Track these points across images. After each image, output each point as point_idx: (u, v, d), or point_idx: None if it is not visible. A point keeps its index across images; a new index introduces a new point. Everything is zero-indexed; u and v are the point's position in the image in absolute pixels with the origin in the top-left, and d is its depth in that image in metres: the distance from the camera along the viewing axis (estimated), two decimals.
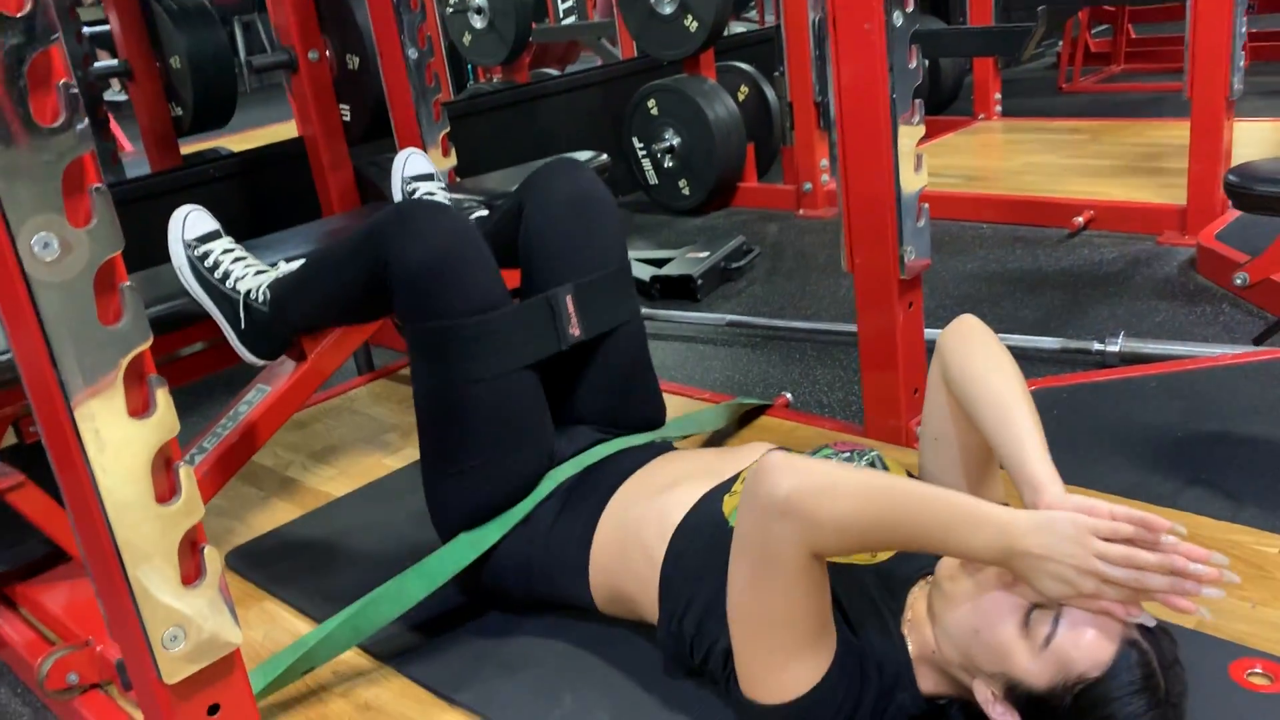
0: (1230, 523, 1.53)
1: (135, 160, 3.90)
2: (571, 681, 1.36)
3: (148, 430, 0.94)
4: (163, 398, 0.94)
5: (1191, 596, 0.98)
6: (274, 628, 1.62)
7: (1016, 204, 3.30)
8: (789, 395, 2.15)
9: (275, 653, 1.42)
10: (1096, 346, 2.25)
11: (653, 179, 3.98)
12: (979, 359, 1.21)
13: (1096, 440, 1.82)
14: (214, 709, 1.03)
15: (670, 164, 3.90)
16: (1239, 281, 1.89)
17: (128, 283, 0.91)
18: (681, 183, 3.92)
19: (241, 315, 1.66)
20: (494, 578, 1.47)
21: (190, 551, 0.99)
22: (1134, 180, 3.39)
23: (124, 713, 1.48)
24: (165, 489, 0.96)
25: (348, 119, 2.99)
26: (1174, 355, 2.15)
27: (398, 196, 1.97)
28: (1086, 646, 1.00)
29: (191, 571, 0.99)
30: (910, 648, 1.16)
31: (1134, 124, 4.14)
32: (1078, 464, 1.73)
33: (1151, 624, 1.02)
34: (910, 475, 1.29)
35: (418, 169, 1.97)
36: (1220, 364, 2.03)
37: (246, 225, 2.61)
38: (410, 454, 2.13)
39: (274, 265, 1.72)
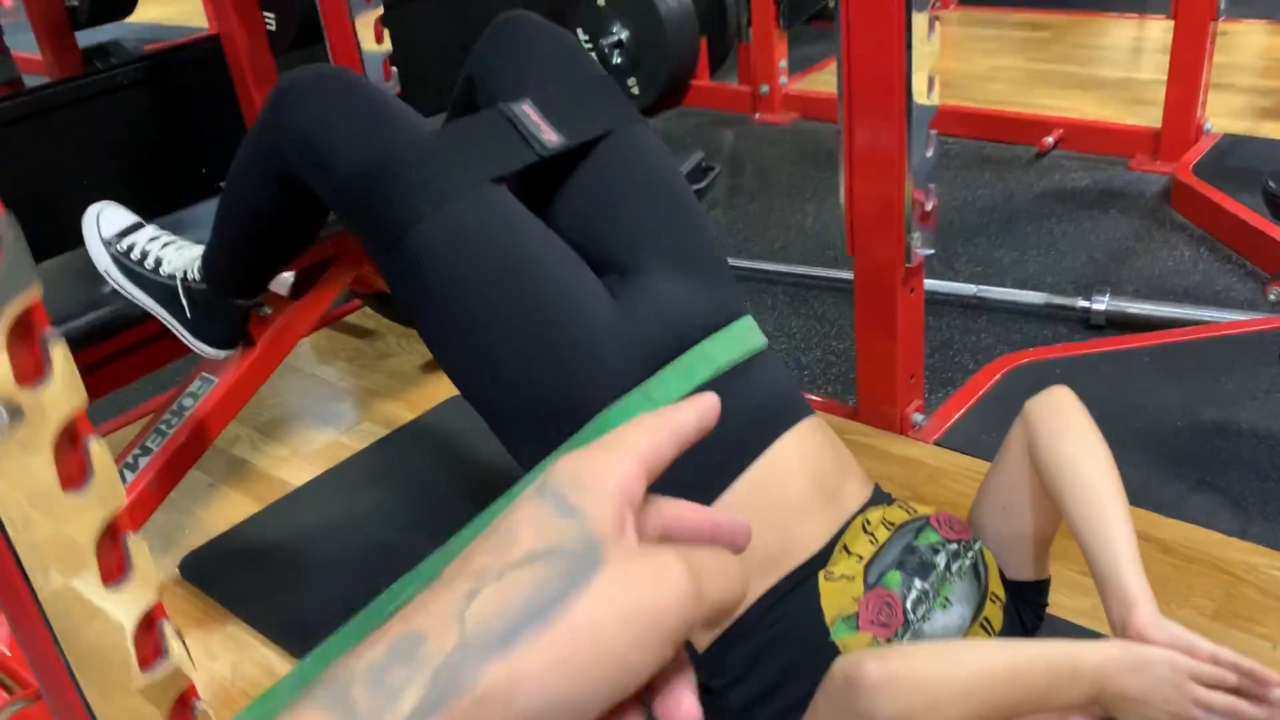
0: (1240, 539, 1.49)
1: (18, 29, 3.48)
2: None
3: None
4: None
5: None
6: (242, 658, 1.51)
7: (985, 119, 3.17)
8: None
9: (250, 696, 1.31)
10: (1082, 304, 2.18)
11: None
12: (1073, 444, 1.11)
13: None
14: None
15: (619, 60, 3.66)
16: (1273, 297, 1.84)
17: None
18: (631, 81, 3.68)
19: (183, 301, 1.48)
20: None
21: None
22: (1104, 93, 3.29)
23: None
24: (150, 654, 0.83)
25: (273, 29, 2.71)
26: (1163, 318, 2.09)
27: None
28: None
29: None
30: None
31: (1095, 19, 4.00)
32: None
33: None
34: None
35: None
36: (1215, 334, 1.98)
37: (161, 143, 2.36)
38: (368, 430, 2.00)
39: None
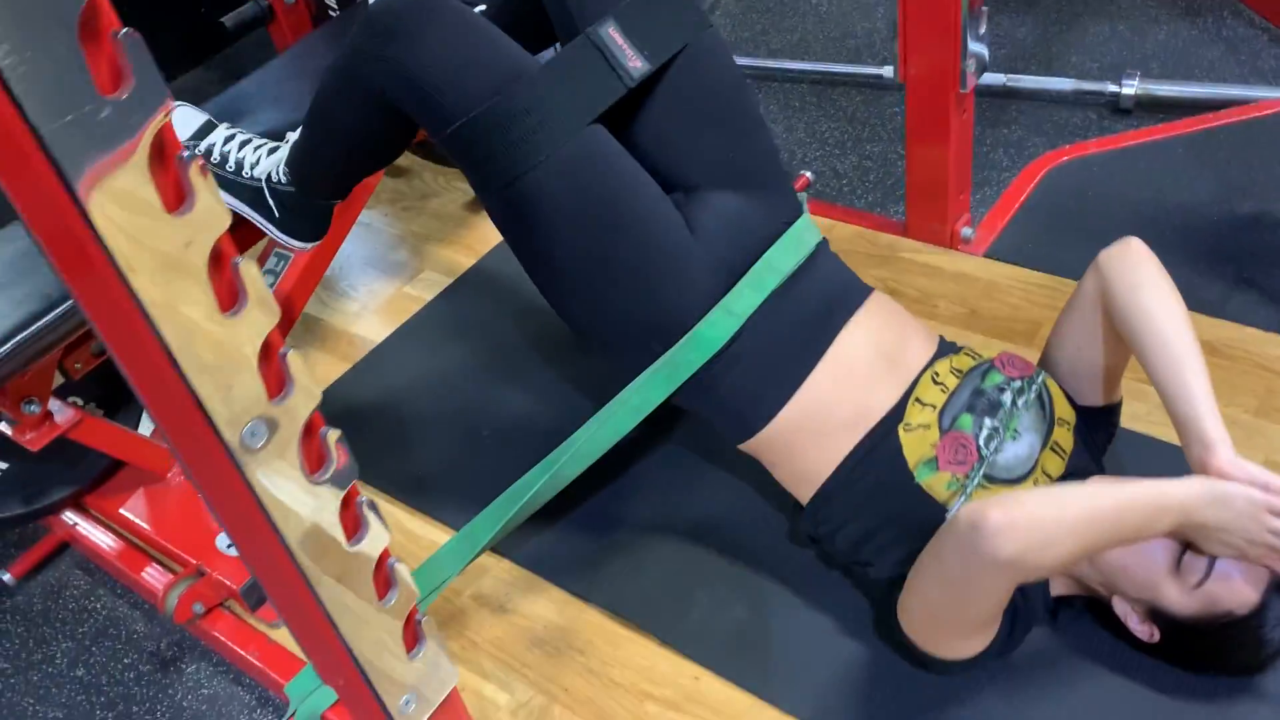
0: (1273, 332, 1.61)
1: None
2: (705, 579, 1.44)
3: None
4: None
5: None
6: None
7: None
8: (809, 174, 2.09)
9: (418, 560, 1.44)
10: (1111, 89, 2.20)
11: None
12: (1150, 296, 1.20)
13: (1127, 227, 1.84)
14: None
15: None
16: None
17: None
18: None
19: (271, 203, 1.51)
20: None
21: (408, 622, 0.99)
22: None
23: (251, 628, 1.54)
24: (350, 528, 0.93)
25: None
26: (1197, 98, 2.13)
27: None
28: (1237, 591, 1.11)
29: (410, 636, 1.00)
30: None
31: None
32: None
33: None
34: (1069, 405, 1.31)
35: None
36: (1249, 116, 2.02)
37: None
38: (430, 279, 2.06)
39: (285, 139, 1.54)
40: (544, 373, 1.80)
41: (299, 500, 0.83)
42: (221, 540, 1.57)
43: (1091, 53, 2.39)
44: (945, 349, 1.34)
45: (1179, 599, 1.14)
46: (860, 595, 1.38)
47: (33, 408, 1.46)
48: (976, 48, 1.65)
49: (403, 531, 1.61)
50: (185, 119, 1.52)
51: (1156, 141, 2.02)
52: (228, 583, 1.52)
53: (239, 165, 1.50)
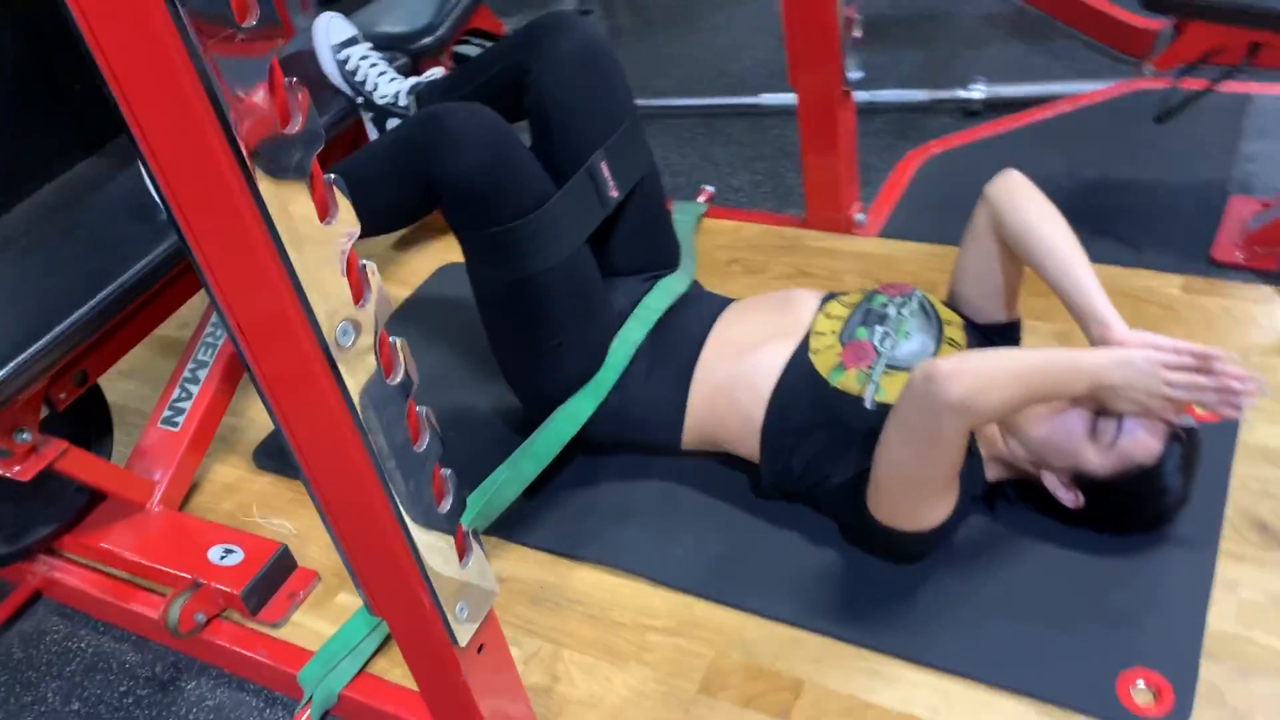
0: (1135, 268, 1.88)
1: None
2: (683, 522, 1.58)
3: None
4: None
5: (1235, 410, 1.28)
6: None
7: None
8: (710, 189, 2.30)
9: None
10: (961, 94, 2.50)
11: None
12: (1033, 212, 1.43)
13: None
14: (481, 649, 1.18)
15: None
16: (1148, 72, 2.11)
17: None
18: None
19: (384, 122, 1.81)
20: (586, 433, 1.60)
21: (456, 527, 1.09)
22: None
23: (253, 631, 1.59)
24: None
25: None
26: (1035, 96, 2.44)
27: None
28: (1143, 444, 1.31)
29: (460, 545, 1.10)
30: (981, 450, 1.44)
31: None
32: None
33: (1193, 424, 1.33)
34: (952, 311, 1.55)
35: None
36: (1079, 105, 2.34)
37: None
38: None
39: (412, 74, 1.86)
40: (493, 383, 1.92)
41: (378, 399, 0.95)
42: (214, 553, 1.63)
43: (939, 69, 2.69)
44: (832, 295, 1.56)
45: (1097, 459, 1.34)
46: (823, 519, 1.54)
47: (24, 435, 1.51)
48: (851, 55, 1.90)
49: None
50: (338, 28, 1.83)
51: (1009, 131, 2.31)
52: (227, 589, 1.58)
53: (363, 83, 1.84)
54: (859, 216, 2.09)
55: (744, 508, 1.58)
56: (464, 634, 1.12)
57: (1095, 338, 1.35)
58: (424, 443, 1.02)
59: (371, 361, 0.94)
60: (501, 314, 1.57)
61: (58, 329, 1.50)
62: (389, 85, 1.84)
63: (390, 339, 0.97)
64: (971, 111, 2.50)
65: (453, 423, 1.85)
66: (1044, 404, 1.35)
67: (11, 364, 1.43)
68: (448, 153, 1.44)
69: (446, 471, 1.06)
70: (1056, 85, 2.47)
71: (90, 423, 1.76)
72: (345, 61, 1.86)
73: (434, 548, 1.06)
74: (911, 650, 1.36)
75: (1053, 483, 1.40)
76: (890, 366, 1.43)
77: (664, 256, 1.74)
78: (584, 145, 1.57)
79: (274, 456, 1.87)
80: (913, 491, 1.35)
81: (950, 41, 2.81)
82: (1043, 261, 1.41)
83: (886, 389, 1.41)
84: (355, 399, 0.93)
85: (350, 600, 1.60)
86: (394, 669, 1.49)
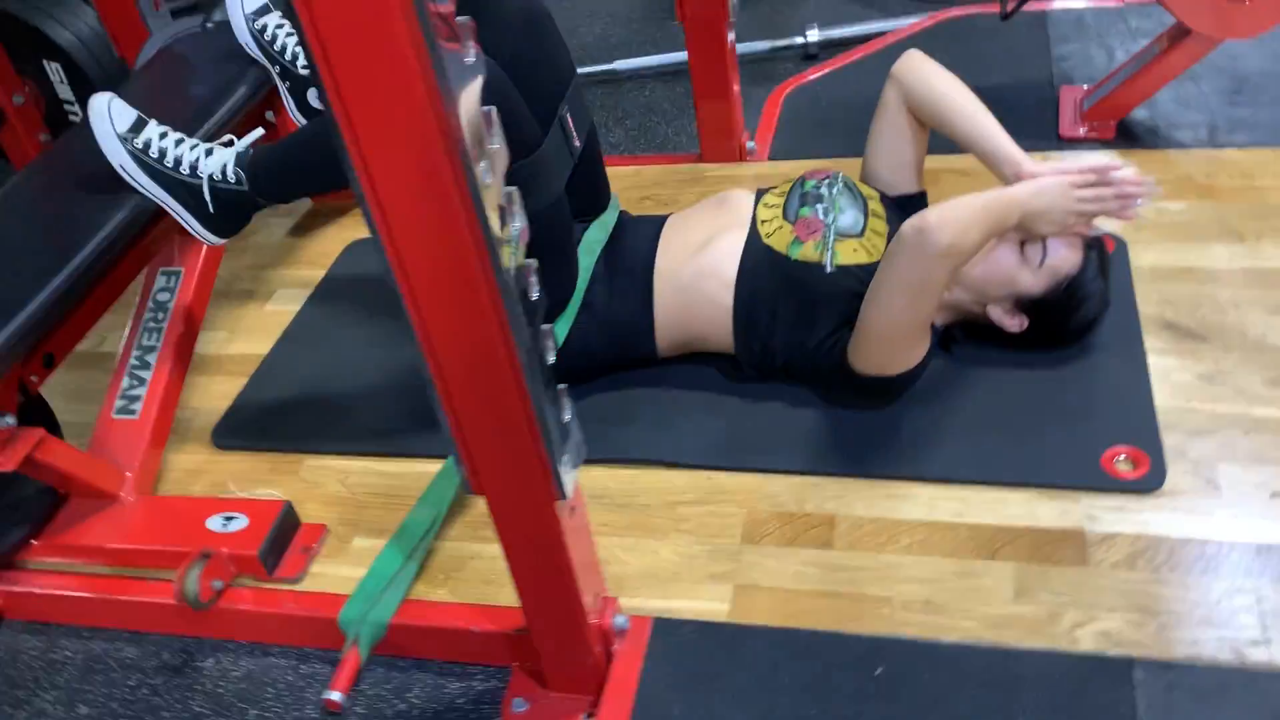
0: None
1: None
2: (679, 412, 1.68)
3: None
4: None
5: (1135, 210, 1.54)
6: (346, 473, 1.72)
7: None
8: None
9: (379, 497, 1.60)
10: (799, 40, 2.73)
11: None
12: (940, 82, 1.63)
13: (856, 115, 2.33)
14: (573, 510, 1.24)
15: None
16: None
17: None
18: None
19: (207, 199, 1.60)
20: (567, 364, 1.68)
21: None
22: None
23: (275, 591, 1.56)
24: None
25: None
26: (863, 35, 2.70)
27: (244, 37, 1.86)
28: (1067, 257, 1.53)
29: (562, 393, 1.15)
30: None
31: None
32: (848, 138, 2.23)
33: (1101, 233, 1.57)
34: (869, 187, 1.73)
35: (255, 2, 1.86)
36: (909, 34, 2.61)
37: None
38: (289, 294, 2.15)
39: (225, 142, 1.64)
40: None
41: (500, 245, 1.00)
42: (213, 522, 1.59)
43: (776, 22, 2.93)
44: (763, 190, 1.72)
45: (1032, 280, 1.54)
46: (801, 389, 1.67)
47: (8, 419, 1.43)
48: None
49: (381, 474, 1.71)
50: (121, 112, 1.58)
51: (851, 63, 2.56)
52: (242, 553, 1.54)
53: (177, 161, 1.58)
54: (750, 145, 2.26)
55: (730, 391, 1.70)
56: (569, 482, 1.18)
57: (1009, 176, 1.56)
58: (536, 292, 1.08)
59: (498, 190, 0.99)
60: None
61: (29, 309, 1.45)
62: (210, 160, 1.66)
63: (506, 189, 1.03)
64: (810, 55, 2.73)
65: (402, 389, 1.86)
66: None
67: None
68: None
69: (548, 324, 1.12)
70: (877, 24, 2.74)
71: (44, 422, 1.66)
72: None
73: (545, 396, 1.12)
74: (920, 469, 1.52)
75: (997, 313, 1.59)
76: (839, 234, 1.59)
77: (603, 202, 1.81)
78: (551, 98, 1.62)
79: (236, 433, 1.83)
80: (901, 337, 1.50)
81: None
82: (954, 120, 1.62)
83: (840, 254, 1.58)
84: (492, 239, 0.98)
85: (366, 544, 1.60)
86: (434, 591, 1.51)
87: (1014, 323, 1.59)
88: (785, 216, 1.64)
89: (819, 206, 1.63)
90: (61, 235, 1.56)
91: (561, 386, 1.17)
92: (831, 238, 1.59)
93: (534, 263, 1.08)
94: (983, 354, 1.66)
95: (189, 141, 1.63)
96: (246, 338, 2.06)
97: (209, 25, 2.11)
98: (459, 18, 0.87)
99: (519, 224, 1.04)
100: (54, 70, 2.56)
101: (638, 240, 1.72)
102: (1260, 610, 1.28)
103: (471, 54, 0.91)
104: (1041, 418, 1.56)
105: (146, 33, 2.37)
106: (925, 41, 2.58)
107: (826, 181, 1.68)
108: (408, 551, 1.51)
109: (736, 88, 2.21)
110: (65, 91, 2.60)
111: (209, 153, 1.62)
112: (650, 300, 1.66)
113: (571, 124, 1.64)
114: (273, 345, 2.01)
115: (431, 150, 0.91)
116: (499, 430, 1.12)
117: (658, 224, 1.75)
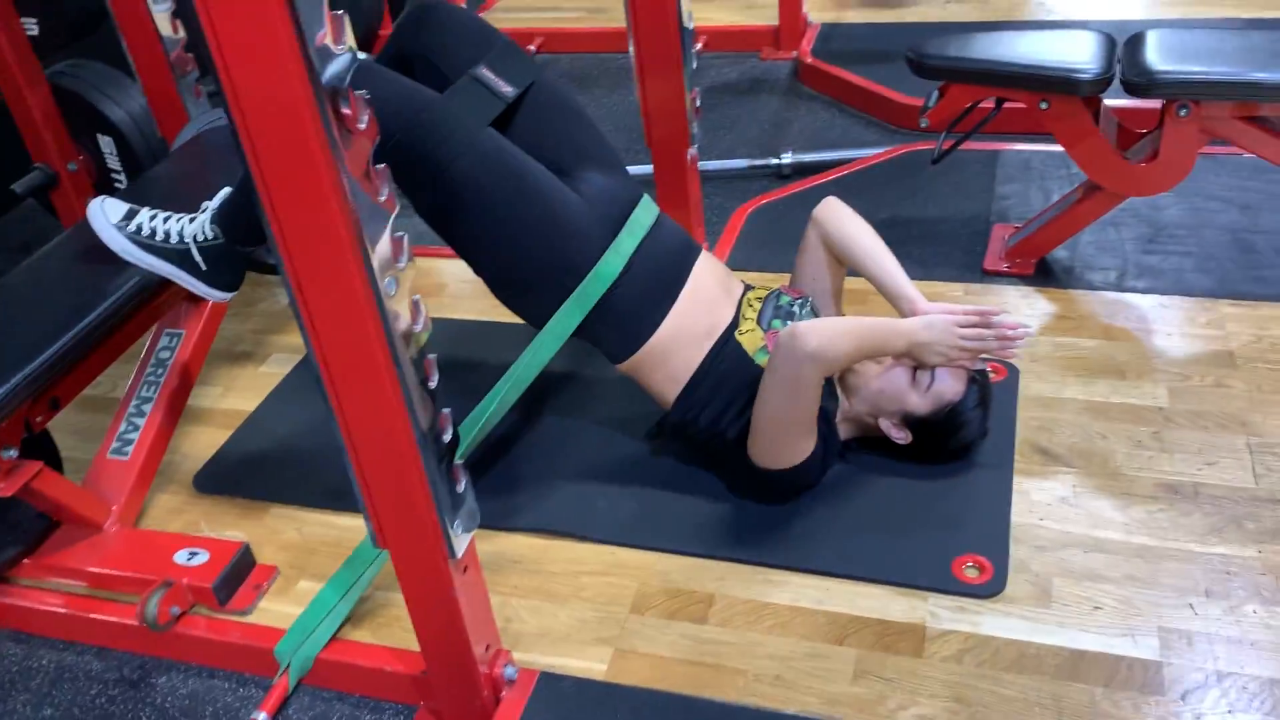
0: (927, 280, 2.35)
1: None
2: (595, 486, 1.89)
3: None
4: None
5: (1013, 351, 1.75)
6: (303, 523, 1.95)
7: None
8: None
9: (331, 549, 1.80)
10: (774, 161, 2.99)
11: None
12: (852, 226, 1.89)
13: (794, 245, 2.57)
14: (465, 569, 1.45)
15: None
16: (923, 125, 2.48)
17: None
18: None
19: (198, 259, 1.85)
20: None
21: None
22: (723, 3, 4.13)
23: (224, 620, 1.78)
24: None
25: (35, 33, 2.83)
26: (831, 160, 2.95)
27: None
28: (951, 386, 1.75)
29: (455, 471, 1.37)
30: (836, 417, 1.84)
31: None
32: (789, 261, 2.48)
33: (983, 368, 1.78)
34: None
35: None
36: (873, 163, 2.86)
37: None
38: (282, 359, 2.40)
39: (204, 209, 1.89)
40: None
41: (406, 342, 1.24)
42: (180, 556, 1.82)
43: (750, 144, 3.19)
44: (748, 287, 1.94)
45: (919, 402, 1.76)
46: (716, 477, 1.88)
47: (11, 452, 1.68)
48: (694, 128, 2.34)
49: (336, 528, 1.93)
50: (113, 208, 1.85)
51: (815, 186, 2.80)
52: (199, 585, 1.77)
53: (166, 235, 1.84)
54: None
55: (644, 469, 1.92)
56: (460, 545, 1.40)
57: (906, 311, 1.79)
58: (434, 380, 1.31)
59: (406, 310, 1.23)
60: (451, 221, 1.71)
61: (38, 360, 1.70)
62: (192, 225, 1.84)
63: (414, 296, 1.27)
64: (783, 175, 2.98)
65: None
66: (875, 364, 1.77)
67: (3, 389, 1.63)
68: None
69: (446, 409, 1.35)
70: (845, 152, 2.99)
71: (47, 456, 1.91)
72: (139, 230, 1.84)
73: (438, 471, 1.34)
74: (795, 560, 1.72)
75: (887, 426, 1.80)
76: None
77: (596, 148, 1.86)
78: (464, 60, 1.76)
79: (215, 480, 2.07)
80: (782, 432, 1.72)
81: (758, 122, 3.32)
82: (863, 261, 1.85)
83: None
84: (395, 340, 1.22)
85: (311, 586, 1.82)
86: (358, 632, 1.72)
87: (900, 435, 1.80)
88: (759, 322, 1.84)
89: (789, 323, 1.83)
90: (76, 297, 1.83)
91: (458, 462, 1.39)
92: None
93: (434, 356, 1.31)
94: (873, 461, 1.87)
95: (174, 216, 1.88)
96: (239, 395, 2.31)
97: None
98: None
99: (421, 323, 1.27)
100: (107, 143, 2.87)
101: (673, 256, 1.83)
102: (1059, 713, 1.46)
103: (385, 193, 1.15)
104: (909, 522, 1.76)
105: (186, 116, 2.67)
106: (883, 171, 2.83)
107: (800, 302, 1.89)
108: (340, 594, 1.73)
109: (698, 198, 2.46)
110: (114, 162, 2.90)
111: (191, 220, 1.87)
112: (658, 323, 1.78)
113: (495, 77, 1.75)
114: (260, 403, 2.26)
115: (350, 282, 1.15)
116: (398, 496, 1.35)
117: (692, 251, 1.87)
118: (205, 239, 1.83)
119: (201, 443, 2.19)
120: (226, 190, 1.87)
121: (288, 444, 2.14)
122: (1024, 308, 2.25)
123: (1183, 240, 2.40)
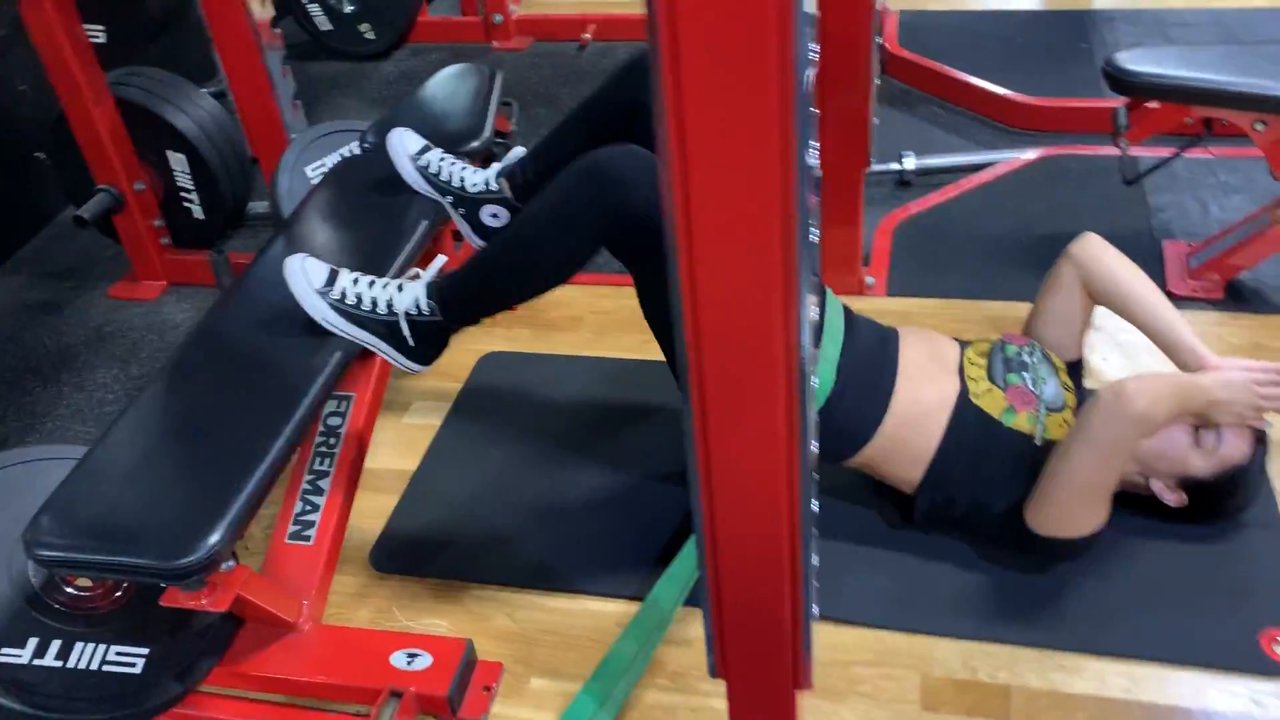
0: None
1: None
2: (842, 563, 1.74)
3: None
4: None
5: None
6: (511, 608, 1.77)
7: None
8: None
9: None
10: (895, 166, 2.83)
11: (325, 25, 3.76)
12: (1120, 269, 1.74)
13: (969, 252, 2.44)
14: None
15: (349, 8, 3.71)
16: (1122, 147, 2.31)
17: None
18: (364, 27, 3.76)
19: (406, 334, 1.67)
20: None
21: None
22: None
23: None
24: None
25: (101, 40, 2.54)
26: (953, 165, 2.81)
27: (412, 177, 1.93)
28: (1239, 447, 1.63)
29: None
30: None
31: None
32: (967, 278, 2.35)
33: (1268, 426, 1.67)
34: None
35: (416, 144, 1.95)
36: (1005, 172, 2.73)
37: None
38: (428, 407, 2.20)
39: (411, 275, 1.71)
40: (583, 452, 2.02)
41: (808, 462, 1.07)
42: (397, 659, 1.63)
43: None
44: (962, 344, 1.80)
45: (1202, 465, 1.64)
46: (959, 542, 1.75)
47: (229, 564, 1.48)
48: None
49: (547, 610, 1.76)
50: (314, 269, 1.64)
51: (957, 196, 2.67)
52: (430, 693, 1.58)
53: (373, 304, 1.64)
54: (870, 279, 2.35)
55: (887, 545, 1.77)
56: (810, 673, 1.25)
57: (1190, 365, 1.67)
58: (816, 505, 1.15)
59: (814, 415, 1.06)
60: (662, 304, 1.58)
61: (266, 460, 1.54)
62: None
63: None
64: (905, 182, 2.83)
65: (555, 498, 1.93)
66: None
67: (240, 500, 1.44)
68: (617, 193, 1.52)
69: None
70: (969, 156, 2.85)
71: None
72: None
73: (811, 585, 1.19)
74: (1087, 642, 1.60)
75: (1159, 487, 1.68)
76: (1047, 409, 1.69)
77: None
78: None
79: (395, 558, 1.88)
80: (1083, 498, 1.59)
81: None
82: (1134, 309, 1.72)
83: (1050, 428, 1.67)
84: (807, 461, 1.05)
85: (544, 685, 1.65)
86: None
87: (1174, 498, 1.68)
88: (992, 379, 1.71)
89: (1025, 376, 1.72)
90: (285, 379, 1.66)
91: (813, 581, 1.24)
92: (1043, 412, 1.68)
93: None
94: (1133, 522, 1.75)
95: (380, 282, 1.70)
96: (389, 452, 2.11)
97: (367, 145, 2.17)
98: None
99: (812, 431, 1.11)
100: (178, 161, 2.61)
101: (873, 346, 1.73)
102: None
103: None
104: (1197, 592, 1.65)
105: (284, 134, 2.42)
106: (1019, 179, 2.70)
107: (1027, 349, 1.77)
108: (598, 704, 1.56)
109: (860, 221, 2.31)
110: (185, 180, 2.64)
111: (400, 289, 1.69)
112: (881, 417, 1.67)
113: None
114: (419, 463, 2.06)
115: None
116: (770, 625, 1.19)
117: (889, 334, 1.78)
118: (418, 313, 1.64)
119: (361, 510, 1.98)
120: (442, 260, 1.73)
121: (464, 511, 1.95)
122: (1226, 336, 2.15)
123: None
